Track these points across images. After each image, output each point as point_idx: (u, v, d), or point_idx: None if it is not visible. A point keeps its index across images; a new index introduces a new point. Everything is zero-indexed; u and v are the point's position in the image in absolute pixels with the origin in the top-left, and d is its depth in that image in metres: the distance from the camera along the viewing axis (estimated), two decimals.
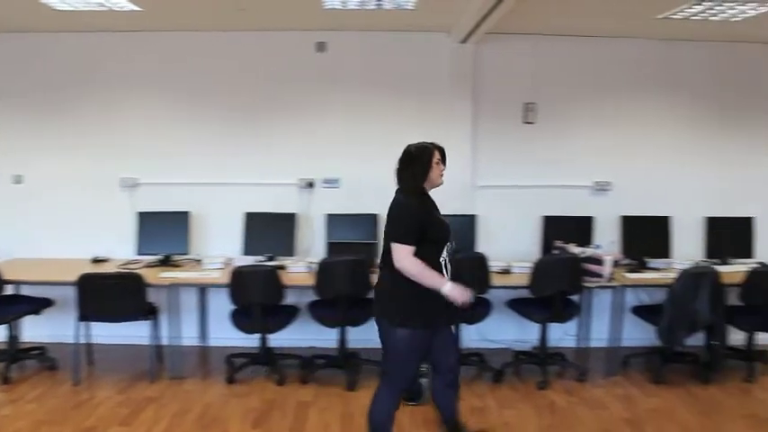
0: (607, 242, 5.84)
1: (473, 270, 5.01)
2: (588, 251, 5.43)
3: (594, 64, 6.13)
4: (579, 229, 5.92)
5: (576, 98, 6.15)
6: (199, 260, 5.86)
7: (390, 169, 3.71)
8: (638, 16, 5.27)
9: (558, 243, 5.64)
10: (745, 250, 6.00)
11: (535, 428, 4.48)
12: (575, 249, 5.45)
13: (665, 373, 5.39)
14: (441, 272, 3.61)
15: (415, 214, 3.58)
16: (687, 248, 6.06)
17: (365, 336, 5.05)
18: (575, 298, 5.45)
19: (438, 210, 3.77)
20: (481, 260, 5.14)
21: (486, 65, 6.04)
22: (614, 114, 6.20)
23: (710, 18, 5.16)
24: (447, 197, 5.80)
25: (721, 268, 5.50)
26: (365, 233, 5.81)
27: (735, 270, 5.58)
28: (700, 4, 4.77)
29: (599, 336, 5.83)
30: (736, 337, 5.62)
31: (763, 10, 4.83)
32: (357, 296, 5.05)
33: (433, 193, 3.76)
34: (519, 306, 5.44)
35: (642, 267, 5.73)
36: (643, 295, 5.72)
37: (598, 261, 5.31)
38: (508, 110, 6.12)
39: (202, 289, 5.92)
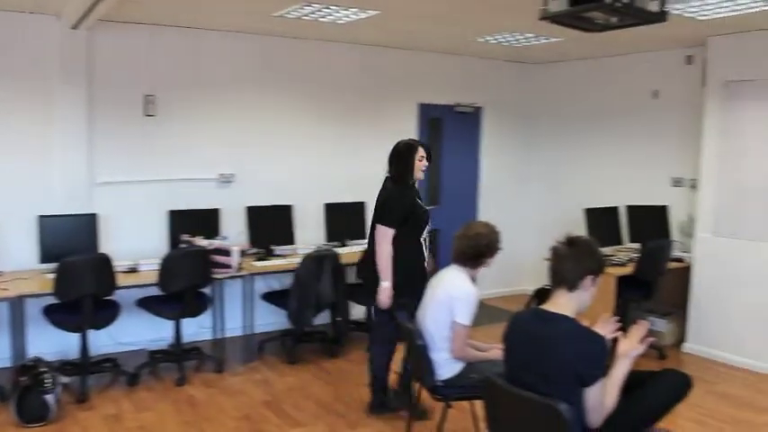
0: (234, 233, 5.91)
1: (94, 272, 4.66)
2: (216, 243, 5.42)
3: (217, 57, 6.11)
4: (206, 221, 5.86)
5: (198, 91, 6.05)
6: None
7: None
8: (255, 13, 5.39)
9: (185, 237, 5.53)
10: (361, 232, 6.57)
11: (175, 426, 4.33)
12: (202, 242, 5.39)
13: (297, 353, 5.66)
14: (422, 249, 4.30)
15: (400, 202, 4.25)
16: (310, 234, 6.43)
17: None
18: (206, 290, 5.40)
19: (420, 198, 4.39)
20: (103, 261, 4.76)
21: (102, 54, 5.58)
22: (237, 107, 6.25)
23: (320, 19, 5.49)
24: (60, 196, 5.43)
25: (340, 250, 5.95)
26: None
27: (352, 251, 6.09)
28: (310, 6, 5.05)
29: (234, 325, 5.88)
30: (358, 311, 6.14)
31: (363, 16, 5.31)
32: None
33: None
34: (150, 304, 5.18)
35: (269, 255, 5.91)
36: (273, 281, 5.91)
37: (226, 252, 5.34)
38: (128, 102, 5.75)
39: None
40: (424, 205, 4.45)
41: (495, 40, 6.34)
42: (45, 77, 5.40)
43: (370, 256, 4.41)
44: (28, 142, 5.37)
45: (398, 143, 4.44)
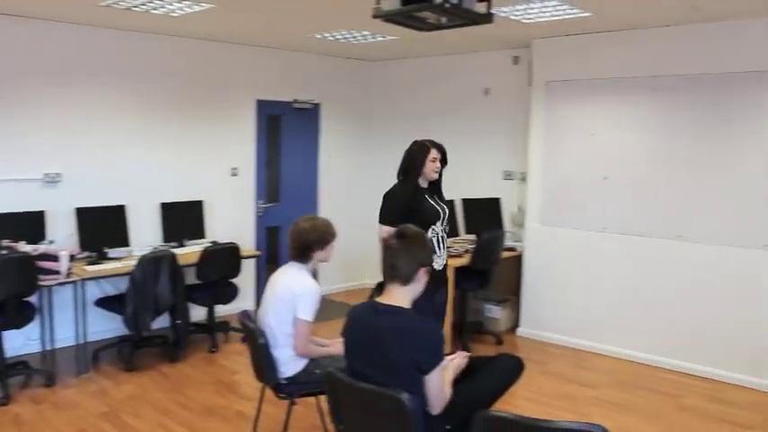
0: (63, 236, 5.57)
1: None
2: (41, 248, 5.08)
3: (41, 48, 5.67)
4: (30, 225, 5.46)
5: (19, 84, 5.60)
6: None
7: None
8: (80, 3, 5.08)
9: (6, 242, 5.13)
10: (199, 231, 6.41)
11: None
12: (25, 247, 5.03)
13: (135, 360, 5.42)
14: (435, 246, 4.16)
15: (399, 200, 4.21)
16: (145, 235, 6.18)
17: None
18: (32, 299, 5.04)
19: (433, 198, 4.32)
20: None
21: None
22: (64, 102, 5.85)
23: (152, 11, 5.28)
24: None
25: (178, 251, 5.78)
26: None
27: (190, 251, 5.93)
28: None
29: (65, 335, 5.50)
30: (198, 312, 5.99)
31: (197, 9, 5.17)
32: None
33: None
34: None
35: (102, 258, 5.62)
36: (107, 286, 5.63)
37: (53, 257, 5.01)
38: None
39: None
40: (441, 204, 4.37)
41: (333, 37, 6.39)
42: None
43: None
44: None
45: (413, 142, 4.39)
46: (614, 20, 5.35)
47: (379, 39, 6.42)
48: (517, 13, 5.11)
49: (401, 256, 2.82)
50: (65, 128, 5.88)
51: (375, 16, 3.45)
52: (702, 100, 5.33)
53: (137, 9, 5.21)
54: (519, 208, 6.75)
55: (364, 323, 2.84)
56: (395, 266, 2.82)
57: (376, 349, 2.73)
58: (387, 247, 2.88)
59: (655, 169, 5.59)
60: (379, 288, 2.96)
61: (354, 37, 6.40)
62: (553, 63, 6.15)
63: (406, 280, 2.82)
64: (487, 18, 3.46)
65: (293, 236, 3.72)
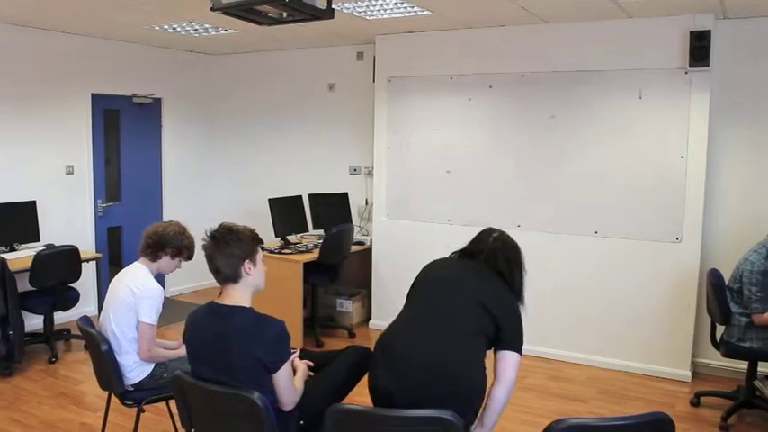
0: None
1: None
2: None
3: None
4: None
5: None
6: None
7: None
8: None
9: None
10: (32, 234, 6.00)
11: None
12: None
13: None
14: None
15: None
16: None
17: None
18: None
19: None
20: None
21: None
22: None
23: None
24: None
25: (9, 255, 5.40)
26: None
27: (23, 255, 5.55)
28: None
29: None
30: (35, 321, 5.62)
31: None
32: None
33: None
34: None
35: None
36: None
37: None
38: None
39: None
40: None
41: (173, 29, 6.19)
42: None
43: None
44: None
45: None
46: (451, 19, 5.57)
47: (222, 32, 6.30)
48: (360, 9, 5.20)
49: (218, 258, 2.75)
50: None
51: (213, 9, 3.39)
52: (532, 96, 5.68)
53: None
54: (366, 202, 6.87)
55: (204, 328, 2.76)
56: (217, 270, 2.77)
57: (219, 353, 2.67)
58: (205, 252, 2.78)
59: (494, 162, 5.89)
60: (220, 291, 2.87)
61: (196, 30, 6.24)
62: (396, 59, 6.30)
63: (232, 279, 2.77)
64: (328, 13, 3.50)
65: (154, 229, 3.60)
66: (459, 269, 3.12)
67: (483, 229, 3.27)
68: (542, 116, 5.65)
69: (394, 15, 5.40)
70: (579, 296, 5.61)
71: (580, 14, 5.23)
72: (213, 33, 6.38)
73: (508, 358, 2.88)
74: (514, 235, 3.22)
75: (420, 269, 3.22)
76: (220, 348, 2.67)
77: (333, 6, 3.53)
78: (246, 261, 2.77)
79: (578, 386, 5.17)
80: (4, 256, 5.27)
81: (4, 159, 6.09)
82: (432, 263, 3.24)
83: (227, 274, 2.75)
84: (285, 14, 3.53)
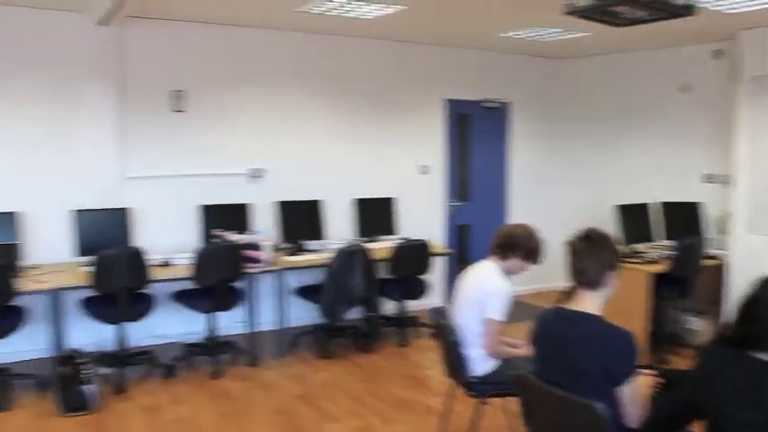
0: (265, 228, 5.95)
1: (128, 265, 4.75)
2: (247, 238, 5.47)
3: (241, 52, 6.16)
4: (237, 216, 5.93)
5: (225, 86, 6.10)
6: None
7: None
8: (277, 9, 5.41)
9: (217, 231, 5.58)
10: (390, 227, 6.60)
11: (212, 419, 4.39)
12: (233, 237, 5.45)
13: (330, 348, 5.69)
14: None
15: None
16: (339, 229, 6.46)
17: None
18: (239, 285, 5.45)
19: None
20: (136, 254, 4.84)
21: (130, 50, 5.67)
22: (267, 103, 6.31)
23: (344, 15, 5.49)
24: (91, 191, 5.52)
25: (370, 245, 5.97)
26: None
27: (382, 246, 6.11)
28: (331, 1, 5.07)
29: (267, 319, 5.91)
30: (389, 306, 6.17)
31: (389, 11, 5.31)
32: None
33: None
34: (184, 298, 5.26)
35: (300, 250, 5.95)
36: (304, 276, 5.94)
37: (257, 247, 5.38)
38: (157, 98, 5.83)
39: None
40: None
41: (518, 35, 6.31)
42: (74, 74, 5.50)
43: None
44: (59, 138, 5.46)
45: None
46: None
47: (569, 36, 6.24)
48: (720, 3, 4.73)
49: (586, 260, 2.70)
50: (265, 127, 6.32)
51: (568, 12, 3.37)
52: None
53: (329, 13, 5.44)
54: (723, 213, 6.26)
55: (554, 331, 2.74)
56: (581, 271, 2.71)
57: (566, 358, 2.63)
58: (572, 250, 2.74)
59: None
60: (567, 293, 2.84)
61: (540, 35, 6.27)
62: (762, 56, 5.63)
63: (593, 285, 2.70)
64: (688, 10, 3.26)
65: (505, 230, 3.74)
66: None
67: None
68: None
69: (762, 6, 4.81)
70: None
71: None
72: (559, 38, 6.35)
73: None
74: None
75: None
76: (568, 354, 2.63)
77: (690, 2, 3.28)
78: (611, 270, 2.72)
79: None
80: (367, 245, 5.84)
81: (369, 159, 6.80)
82: None
83: (590, 278, 2.70)
84: (640, 14, 3.37)
